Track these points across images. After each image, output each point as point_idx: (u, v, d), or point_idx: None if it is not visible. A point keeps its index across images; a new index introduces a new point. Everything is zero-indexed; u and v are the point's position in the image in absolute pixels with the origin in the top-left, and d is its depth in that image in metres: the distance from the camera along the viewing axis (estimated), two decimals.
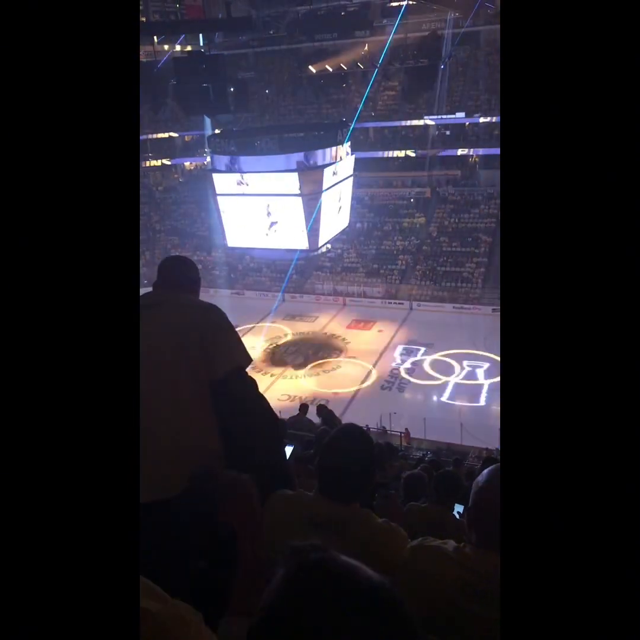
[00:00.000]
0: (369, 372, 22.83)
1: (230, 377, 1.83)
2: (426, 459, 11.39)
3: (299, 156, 14.33)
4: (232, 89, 15.22)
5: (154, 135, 35.52)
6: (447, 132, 32.76)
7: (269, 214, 15.09)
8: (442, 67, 27.03)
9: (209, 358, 1.82)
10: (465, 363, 22.03)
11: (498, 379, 19.43)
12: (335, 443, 1.76)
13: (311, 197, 14.78)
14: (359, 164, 18.35)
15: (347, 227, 18.71)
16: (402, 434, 16.37)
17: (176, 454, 1.71)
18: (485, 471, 1.51)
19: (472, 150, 31.43)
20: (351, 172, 17.16)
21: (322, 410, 9.26)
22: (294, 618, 0.62)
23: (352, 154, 16.94)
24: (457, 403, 20.07)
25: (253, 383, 1.95)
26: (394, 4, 22.93)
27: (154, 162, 37.00)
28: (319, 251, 17.33)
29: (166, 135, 36.51)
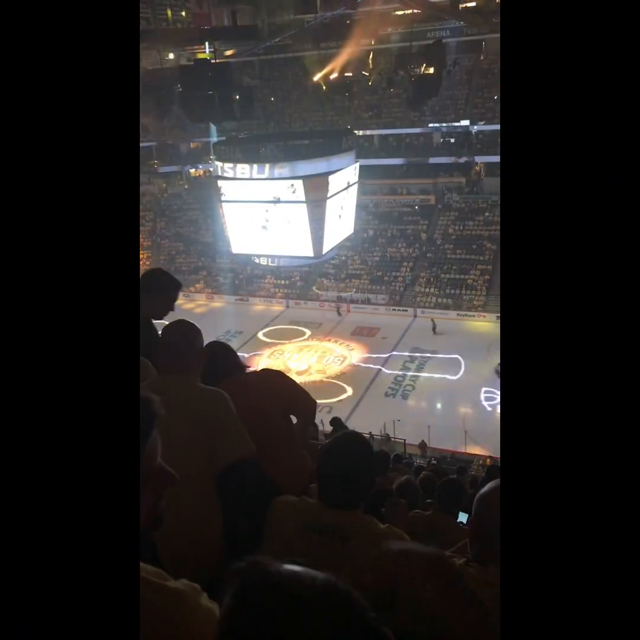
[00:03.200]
0: (373, 379, 22.79)
1: (233, 468, 1.89)
2: (429, 466, 11.35)
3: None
4: (237, 97, 15.29)
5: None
6: (452, 140, 32.83)
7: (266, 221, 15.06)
8: (448, 73, 27.16)
9: (214, 449, 1.90)
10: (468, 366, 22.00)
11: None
12: (334, 450, 1.74)
13: (316, 205, 14.78)
14: (363, 172, 18.36)
15: (351, 234, 18.68)
16: (418, 445, 16.22)
17: (176, 539, 1.74)
18: (488, 484, 1.50)
19: (476, 157, 31.49)
20: (356, 179, 17.17)
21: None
22: (250, 635, 0.63)
23: (356, 161, 16.96)
24: (461, 410, 20.02)
25: (257, 472, 2.00)
26: (399, 12, 23.02)
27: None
28: (323, 258, 17.31)
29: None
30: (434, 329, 26.03)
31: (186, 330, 2.15)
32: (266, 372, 2.84)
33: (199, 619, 0.92)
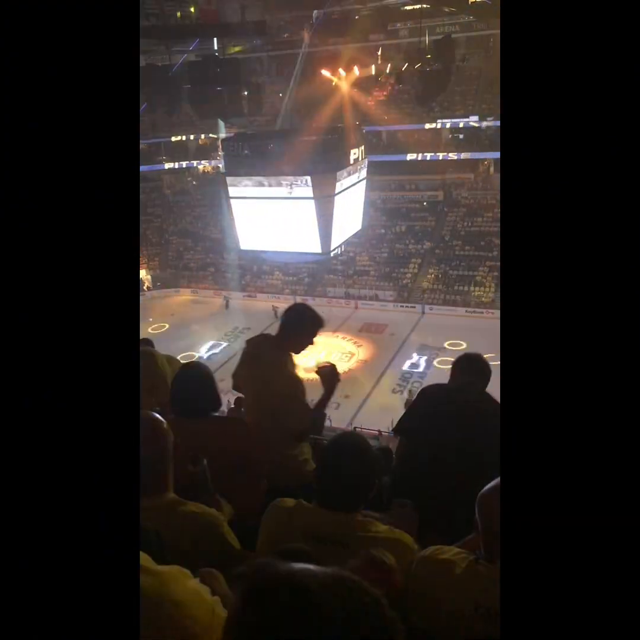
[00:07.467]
0: (380, 376, 22.76)
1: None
2: None
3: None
4: (246, 93, 15.25)
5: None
6: (460, 136, 32.66)
7: None
8: (457, 69, 26.94)
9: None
10: None
11: None
12: (331, 452, 1.71)
13: (324, 201, 14.73)
14: (372, 167, 18.29)
15: (359, 230, 18.62)
16: None
17: None
18: (491, 482, 1.49)
19: (485, 153, 31.32)
20: (364, 175, 17.11)
21: None
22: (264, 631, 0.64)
23: (365, 157, 16.90)
24: None
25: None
26: (408, 7, 22.88)
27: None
28: (331, 254, 17.28)
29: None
30: (226, 305, 26.85)
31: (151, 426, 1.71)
32: (229, 426, 2.64)
33: (186, 598, 0.94)
